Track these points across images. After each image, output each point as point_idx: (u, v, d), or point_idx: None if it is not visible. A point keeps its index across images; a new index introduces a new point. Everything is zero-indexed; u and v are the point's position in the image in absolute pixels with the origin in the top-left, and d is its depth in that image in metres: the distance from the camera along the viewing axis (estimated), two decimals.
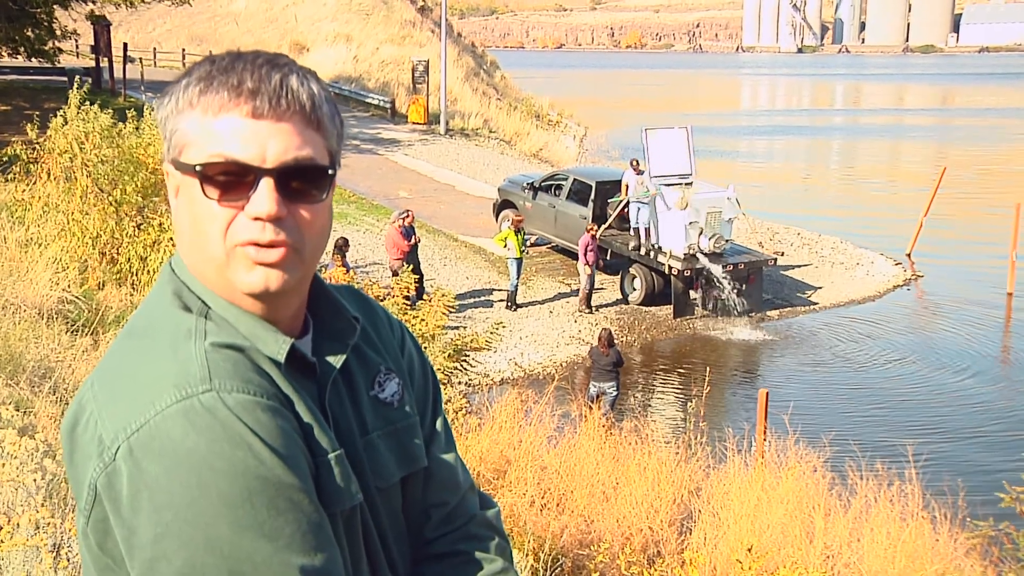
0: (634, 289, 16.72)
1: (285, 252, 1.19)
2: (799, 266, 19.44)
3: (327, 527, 1.17)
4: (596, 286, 16.55)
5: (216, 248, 1.19)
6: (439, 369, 9.01)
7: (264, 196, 1.17)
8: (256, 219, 1.17)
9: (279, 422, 1.15)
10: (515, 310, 15.87)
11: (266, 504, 1.10)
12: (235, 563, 1.09)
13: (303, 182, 1.21)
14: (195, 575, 1.08)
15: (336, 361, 1.30)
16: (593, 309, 16.25)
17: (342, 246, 13.86)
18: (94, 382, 1.21)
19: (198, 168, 1.17)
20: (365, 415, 1.33)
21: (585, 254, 15.82)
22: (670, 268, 16.11)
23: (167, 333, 1.19)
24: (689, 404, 12.31)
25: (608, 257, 17.39)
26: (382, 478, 1.32)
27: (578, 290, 16.85)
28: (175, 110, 1.21)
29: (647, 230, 16.60)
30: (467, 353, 10.09)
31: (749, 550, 5.47)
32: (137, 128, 11.49)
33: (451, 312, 10.99)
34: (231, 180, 1.17)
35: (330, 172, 1.24)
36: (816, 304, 17.64)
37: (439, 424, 1.46)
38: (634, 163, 17.07)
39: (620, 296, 16.95)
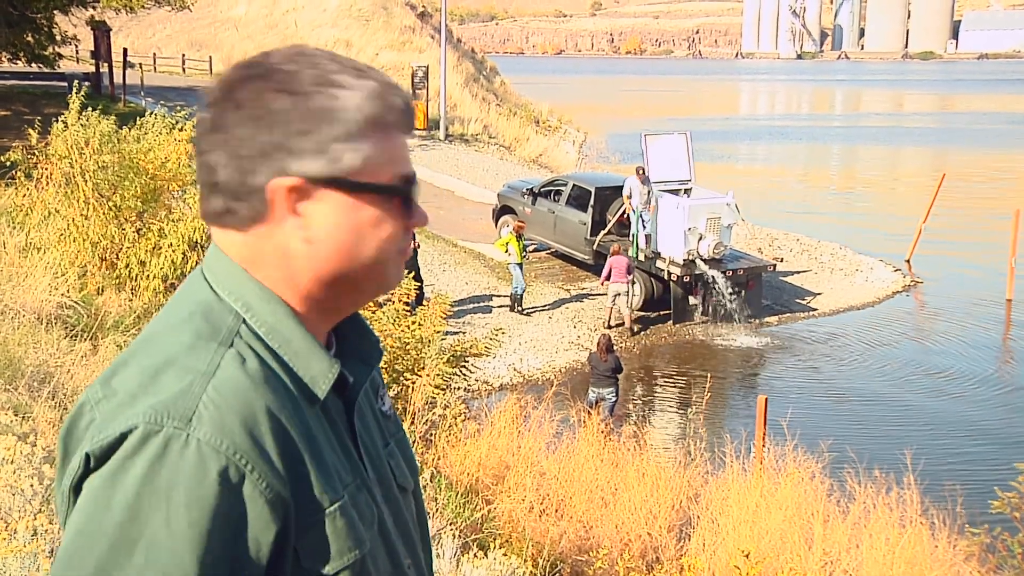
0: (633, 295, 16.73)
1: None
2: (798, 272, 19.44)
3: None
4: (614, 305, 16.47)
5: (390, 267, 1.19)
6: (438, 375, 9.01)
7: (421, 208, 1.21)
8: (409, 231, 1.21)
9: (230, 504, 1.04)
10: (524, 312, 15.93)
11: None
12: None
13: None
14: None
15: (360, 383, 1.26)
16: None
17: None
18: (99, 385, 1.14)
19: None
20: (382, 428, 1.33)
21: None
22: (669, 274, 16.12)
23: (180, 357, 1.10)
24: (688, 410, 12.32)
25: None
26: (404, 486, 1.33)
27: (578, 296, 16.92)
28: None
29: (647, 237, 16.58)
30: (466, 359, 10.08)
31: (747, 556, 5.47)
32: (141, 130, 11.50)
33: (450, 317, 10.99)
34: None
35: None
36: (815, 310, 17.64)
37: None
38: (640, 171, 16.69)
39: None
